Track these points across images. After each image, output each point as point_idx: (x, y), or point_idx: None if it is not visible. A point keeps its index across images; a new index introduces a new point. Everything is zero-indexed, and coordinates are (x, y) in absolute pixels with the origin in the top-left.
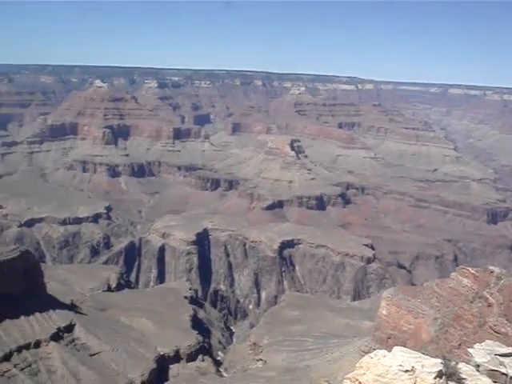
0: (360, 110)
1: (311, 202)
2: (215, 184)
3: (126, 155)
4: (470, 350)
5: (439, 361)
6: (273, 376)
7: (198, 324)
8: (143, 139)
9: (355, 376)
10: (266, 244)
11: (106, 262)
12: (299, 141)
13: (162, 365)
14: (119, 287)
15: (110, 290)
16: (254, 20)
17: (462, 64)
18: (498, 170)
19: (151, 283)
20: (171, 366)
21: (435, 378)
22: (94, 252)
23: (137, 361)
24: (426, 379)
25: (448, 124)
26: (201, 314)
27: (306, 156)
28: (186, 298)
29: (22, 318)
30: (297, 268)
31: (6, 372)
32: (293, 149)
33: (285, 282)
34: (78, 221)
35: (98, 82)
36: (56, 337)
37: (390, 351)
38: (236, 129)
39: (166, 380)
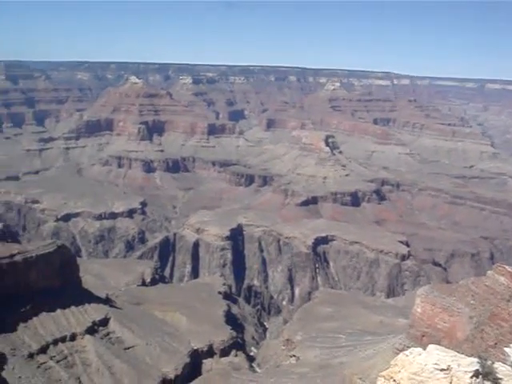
0: (395, 106)
1: (345, 198)
2: (249, 180)
3: (161, 151)
4: (506, 349)
5: (475, 360)
6: (306, 372)
7: (231, 319)
8: (178, 135)
9: (390, 374)
10: (299, 240)
11: (140, 257)
12: (334, 136)
13: (196, 359)
14: (154, 282)
15: (144, 284)
16: (290, 16)
17: (500, 59)
18: None
19: (185, 278)
20: (204, 361)
21: (471, 377)
22: (129, 247)
23: (170, 355)
24: (463, 378)
25: (485, 120)
26: (234, 310)
27: (340, 152)
28: (219, 293)
29: (58, 311)
30: (331, 264)
31: (42, 364)
32: (327, 144)
33: (319, 279)
34: (114, 216)
35: (133, 79)
36: (91, 330)
37: (424, 349)
38: (270, 124)
39: (200, 375)
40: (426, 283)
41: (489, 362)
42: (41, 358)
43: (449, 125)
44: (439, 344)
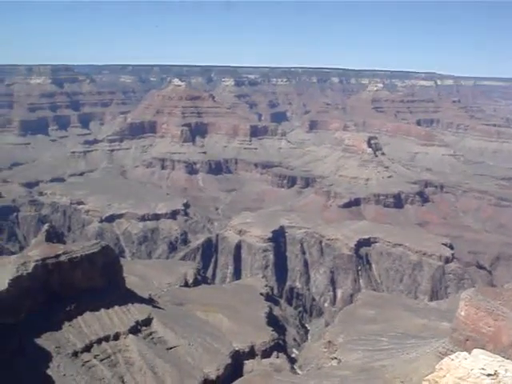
0: (439, 107)
1: (388, 200)
2: (292, 181)
3: (204, 153)
4: None
5: None
6: (347, 375)
7: (273, 321)
8: (220, 137)
9: (434, 378)
10: (342, 242)
11: (183, 258)
12: (376, 138)
13: (237, 360)
14: (196, 283)
15: (187, 285)
16: (332, 17)
17: None
18: None
19: (227, 279)
20: (246, 362)
21: None
22: (172, 248)
23: (212, 356)
24: None
25: None
26: (276, 311)
27: (383, 153)
28: (261, 294)
29: (102, 310)
30: (373, 267)
31: (86, 362)
32: (370, 146)
33: (361, 281)
34: (157, 217)
35: (176, 81)
36: (134, 330)
37: (468, 354)
38: (313, 126)
39: (241, 376)
40: (470, 286)
41: None
42: (85, 357)
43: (494, 125)
44: (483, 349)
